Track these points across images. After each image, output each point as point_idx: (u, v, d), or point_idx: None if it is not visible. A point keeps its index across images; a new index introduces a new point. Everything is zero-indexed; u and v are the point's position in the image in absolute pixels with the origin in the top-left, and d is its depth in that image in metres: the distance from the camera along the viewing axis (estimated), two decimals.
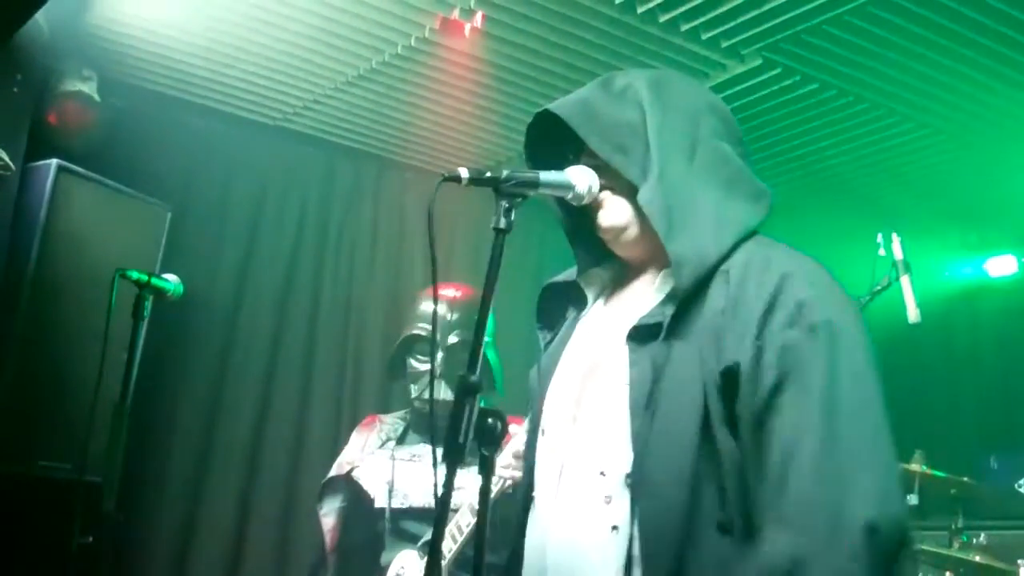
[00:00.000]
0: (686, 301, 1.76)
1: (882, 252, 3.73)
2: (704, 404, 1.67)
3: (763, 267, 1.75)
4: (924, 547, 4.53)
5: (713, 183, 1.85)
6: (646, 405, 1.72)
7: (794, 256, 1.81)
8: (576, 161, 1.94)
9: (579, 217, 2.01)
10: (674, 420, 1.69)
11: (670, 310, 1.76)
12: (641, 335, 1.79)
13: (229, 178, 5.28)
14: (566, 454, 1.84)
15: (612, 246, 1.96)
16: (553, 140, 1.99)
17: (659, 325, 1.76)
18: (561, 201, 1.99)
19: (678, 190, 1.80)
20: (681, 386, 1.70)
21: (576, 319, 2.03)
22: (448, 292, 4.11)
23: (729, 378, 1.68)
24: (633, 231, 1.90)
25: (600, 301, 2.01)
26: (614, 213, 1.91)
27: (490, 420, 1.65)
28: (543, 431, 1.93)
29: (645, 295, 1.87)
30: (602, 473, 1.76)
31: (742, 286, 1.73)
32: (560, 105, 1.95)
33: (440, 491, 1.61)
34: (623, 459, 1.73)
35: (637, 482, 1.70)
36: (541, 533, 1.83)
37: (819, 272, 1.80)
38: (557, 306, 2.11)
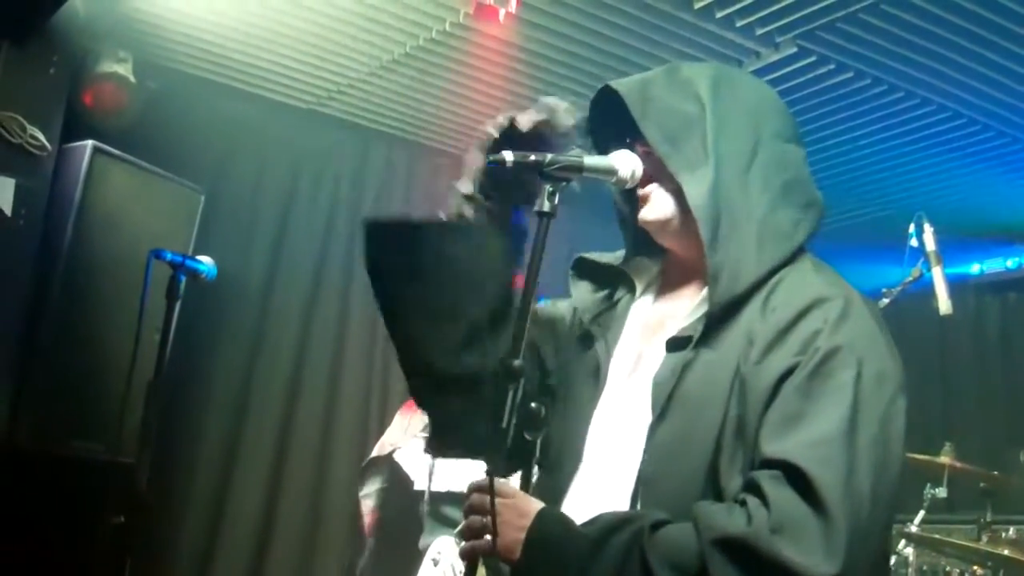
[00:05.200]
0: (718, 318, 1.73)
1: (914, 242, 3.70)
2: (723, 420, 1.64)
3: (794, 293, 1.70)
4: (952, 540, 4.52)
5: (768, 189, 1.79)
6: (661, 409, 1.71)
7: (831, 285, 1.74)
8: (632, 145, 1.91)
9: (633, 203, 1.99)
10: (688, 428, 1.68)
11: (702, 326, 1.74)
12: (675, 347, 1.78)
13: (263, 161, 5.31)
14: (596, 451, 1.84)
15: (656, 237, 1.93)
16: (615, 119, 1.96)
17: (690, 339, 1.75)
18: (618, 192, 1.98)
19: (731, 196, 1.76)
20: (700, 397, 1.68)
21: (629, 302, 1.99)
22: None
23: (742, 400, 1.64)
24: (675, 224, 1.86)
25: (650, 296, 1.98)
26: (657, 207, 1.86)
27: (533, 405, 1.65)
28: (590, 430, 1.90)
29: (688, 304, 1.85)
30: (614, 473, 1.76)
31: (773, 311, 1.69)
32: (621, 83, 1.91)
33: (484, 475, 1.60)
34: (635, 461, 1.73)
35: (644, 483, 1.70)
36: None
37: (851, 305, 1.70)
38: (596, 278, 2.06)
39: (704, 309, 1.77)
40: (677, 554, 1.52)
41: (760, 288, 1.73)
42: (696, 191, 1.76)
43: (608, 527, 1.60)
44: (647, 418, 1.72)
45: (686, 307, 1.84)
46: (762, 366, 1.63)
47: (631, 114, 1.86)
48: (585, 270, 2.06)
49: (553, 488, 1.83)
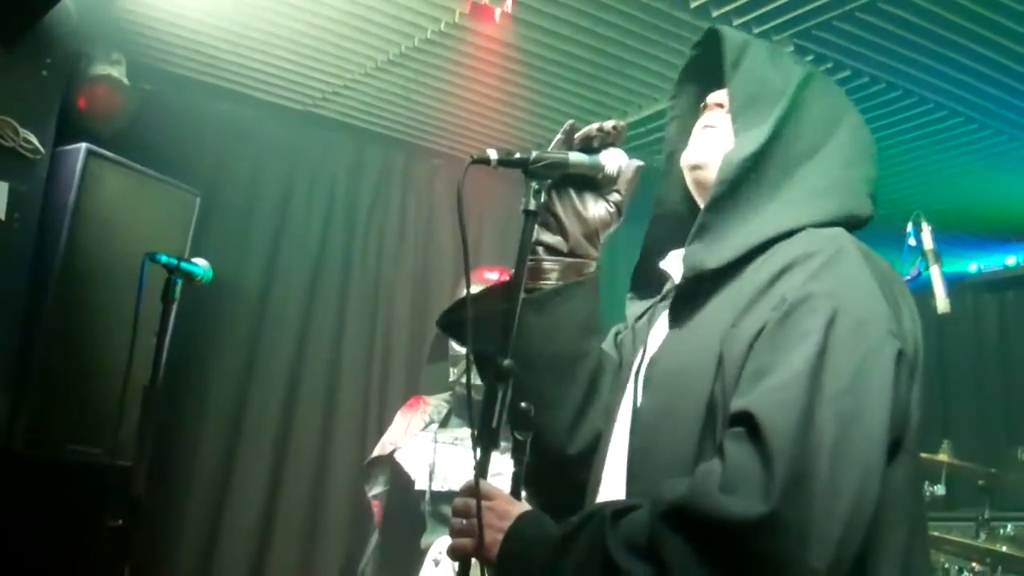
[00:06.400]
0: (703, 284, 1.70)
1: (912, 241, 3.69)
2: (711, 392, 1.59)
3: (783, 253, 1.63)
4: (951, 537, 4.52)
5: (814, 183, 1.72)
6: (645, 384, 1.71)
7: (824, 240, 1.63)
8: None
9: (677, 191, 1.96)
10: (672, 402, 1.66)
11: (700, 290, 1.70)
12: (673, 317, 1.76)
13: (258, 163, 5.30)
14: (617, 436, 1.83)
15: (692, 190, 1.88)
16: (706, 66, 1.94)
17: (680, 306, 1.73)
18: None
19: (767, 172, 1.70)
20: (682, 369, 1.66)
21: (664, 300, 1.95)
22: (492, 276, 4.12)
23: (723, 368, 1.59)
24: (707, 174, 1.80)
25: None
26: (697, 150, 1.84)
27: (523, 404, 1.65)
28: (617, 417, 1.90)
29: None
30: (621, 454, 1.76)
31: (758, 273, 1.64)
32: (727, 30, 1.89)
33: (474, 475, 1.61)
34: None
35: (633, 463, 1.70)
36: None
37: (839, 255, 1.59)
38: (649, 286, 2.03)
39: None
40: (633, 536, 1.48)
41: (756, 256, 1.67)
42: (739, 150, 1.72)
43: (577, 523, 1.59)
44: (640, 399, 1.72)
45: None
46: (737, 329, 1.58)
47: (723, 61, 1.83)
48: (638, 285, 2.05)
49: (592, 479, 1.84)
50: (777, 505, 1.37)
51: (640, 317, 1.99)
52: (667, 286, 1.94)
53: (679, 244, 1.85)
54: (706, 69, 1.95)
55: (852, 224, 1.73)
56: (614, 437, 1.82)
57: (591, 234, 1.91)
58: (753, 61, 1.82)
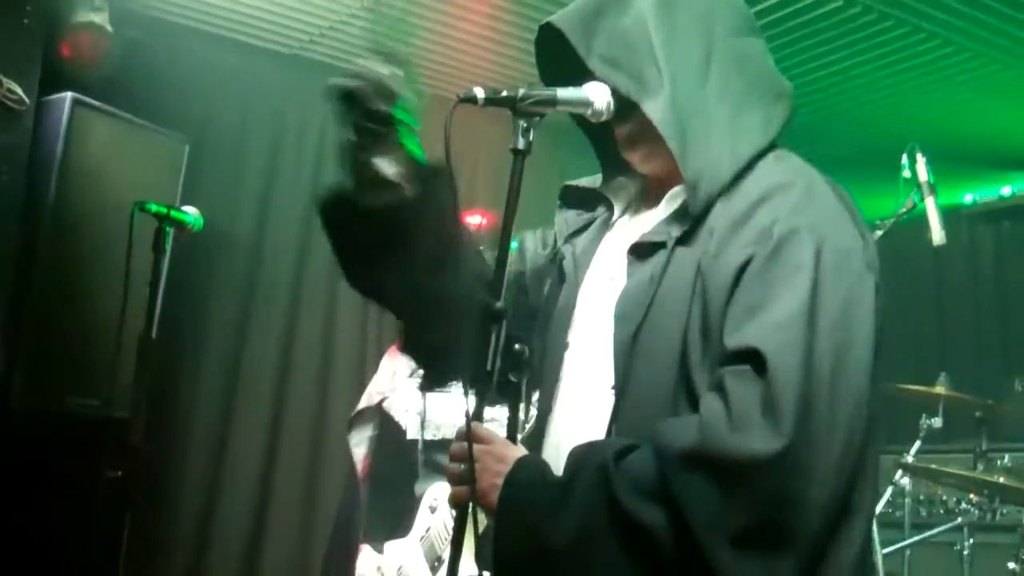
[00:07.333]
0: (696, 221, 1.68)
1: (907, 173, 3.68)
2: (687, 320, 1.60)
3: (753, 184, 1.66)
4: (949, 469, 4.54)
5: (730, 91, 1.75)
6: (636, 318, 1.67)
7: (793, 172, 1.69)
8: (592, 77, 1.87)
9: (602, 129, 1.94)
10: (656, 334, 1.64)
11: (676, 230, 1.69)
12: (643, 252, 1.74)
13: (247, 108, 5.24)
14: (573, 366, 1.82)
15: (638, 167, 1.89)
16: (566, 56, 1.91)
17: (662, 244, 1.70)
18: (582, 118, 1.94)
19: (692, 106, 1.71)
20: (668, 301, 1.65)
21: (605, 226, 1.95)
22: (473, 219, 4.08)
23: (703, 296, 1.61)
24: (651, 148, 1.79)
25: (627, 216, 1.93)
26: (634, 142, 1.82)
27: (517, 347, 1.63)
28: (568, 344, 1.87)
29: (658, 212, 1.80)
30: (592, 386, 1.74)
31: (731, 203, 1.65)
32: (560, 17, 1.86)
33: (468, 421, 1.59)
34: (609, 376, 1.70)
35: (619, 394, 1.67)
36: (549, 445, 1.82)
37: (813, 188, 1.66)
38: (583, 202, 2.03)
39: (672, 210, 1.74)
40: (642, 480, 1.49)
41: (732, 185, 1.68)
42: (655, 109, 1.71)
43: (575, 467, 1.58)
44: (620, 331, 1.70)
45: (656, 215, 1.80)
46: (720, 260, 1.60)
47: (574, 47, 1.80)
48: (570, 198, 2.03)
49: (539, 410, 1.83)
50: (787, 442, 1.42)
51: (571, 236, 1.98)
52: (606, 212, 1.95)
53: (621, 173, 1.93)
54: (566, 48, 1.87)
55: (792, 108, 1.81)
56: (566, 365, 1.82)
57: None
58: (602, 32, 1.80)
